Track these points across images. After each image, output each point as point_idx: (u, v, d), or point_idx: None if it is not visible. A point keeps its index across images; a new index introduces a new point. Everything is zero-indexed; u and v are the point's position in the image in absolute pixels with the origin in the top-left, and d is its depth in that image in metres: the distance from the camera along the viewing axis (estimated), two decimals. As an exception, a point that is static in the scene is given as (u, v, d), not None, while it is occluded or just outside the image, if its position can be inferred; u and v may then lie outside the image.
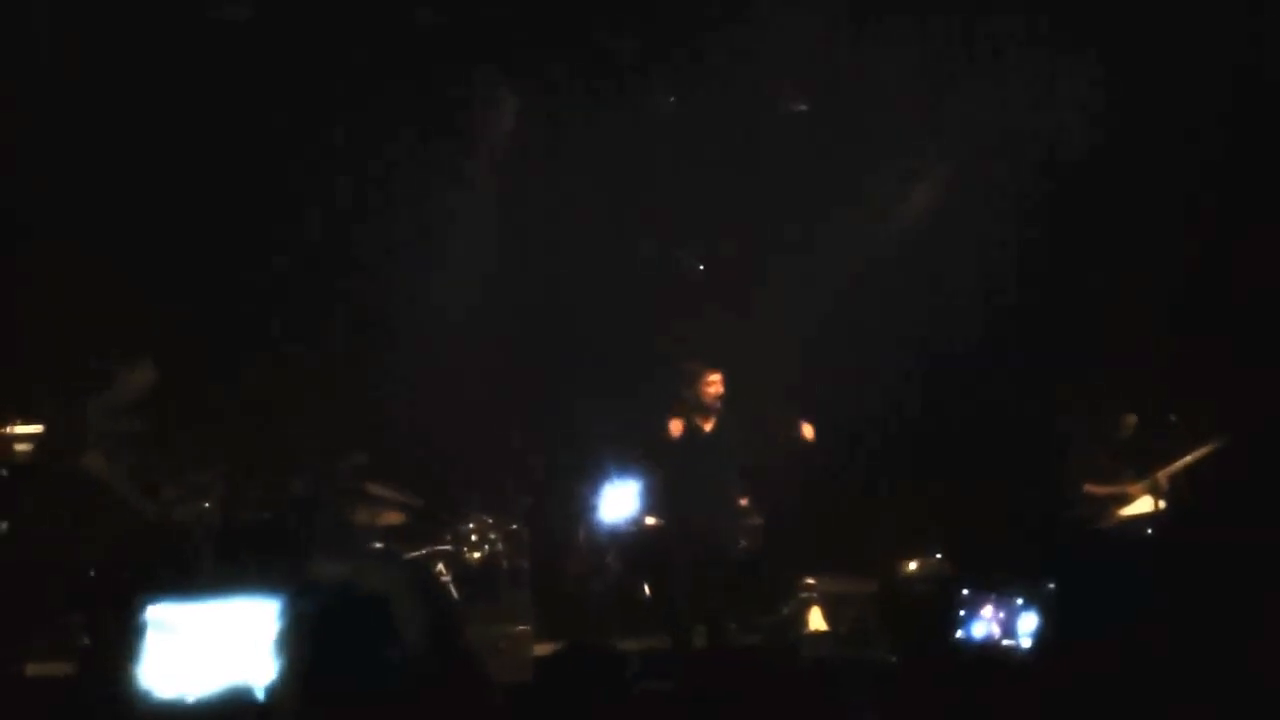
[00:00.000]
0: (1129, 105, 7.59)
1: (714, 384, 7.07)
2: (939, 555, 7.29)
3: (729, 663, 6.66)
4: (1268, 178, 7.43)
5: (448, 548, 7.64)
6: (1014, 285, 8.48)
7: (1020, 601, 4.54)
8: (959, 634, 3.94)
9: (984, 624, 5.01)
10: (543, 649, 6.52)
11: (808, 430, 7.04)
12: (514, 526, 7.89)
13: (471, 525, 7.75)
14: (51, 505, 6.14)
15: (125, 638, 3.44)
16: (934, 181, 8.82)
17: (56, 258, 7.35)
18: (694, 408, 7.15)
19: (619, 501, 8.18)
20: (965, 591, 4.31)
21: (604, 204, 8.66)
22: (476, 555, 7.64)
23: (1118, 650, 2.29)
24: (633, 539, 8.14)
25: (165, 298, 7.65)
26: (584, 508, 8.36)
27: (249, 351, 8.08)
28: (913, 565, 7.26)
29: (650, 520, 8.02)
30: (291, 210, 8.09)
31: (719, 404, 7.11)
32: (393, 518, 7.62)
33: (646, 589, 8.08)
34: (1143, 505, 7.31)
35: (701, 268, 9.26)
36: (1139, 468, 7.35)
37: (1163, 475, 7.24)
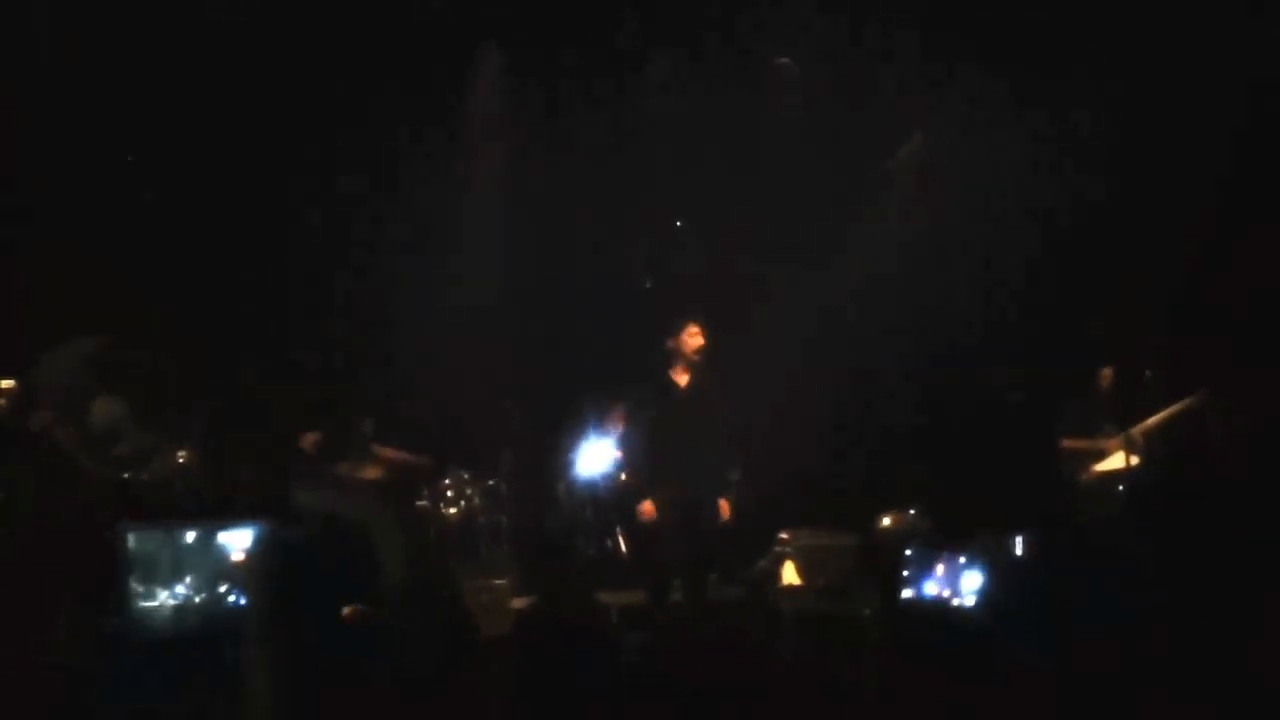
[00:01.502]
0: (1129, 104, 7.61)
1: (694, 335, 7.03)
2: (912, 511, 7.34)
3: (705, 616, 6.72)
4: (1268, 178, 7.43)
5: (424, 504, 7.63)
6: (1007, 260, 8.50)
7: (963, 560, 4.61)
8: (909, 592, 4.00)
9: (934, 582, 5.06)
10: (521, 603, 6.54)
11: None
12: (491, 482, 7.88)
13: (448, 481, 7.74)
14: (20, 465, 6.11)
15: (109, 567, 3.48)
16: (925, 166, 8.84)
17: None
18: (675, 360, 7.13)
19: (597, 456, 8.19)
20: (909, 552, 4.36)
21: (596, 179, 8.66)
22: (453, 511, 7.65)
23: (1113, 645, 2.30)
24: (610, 494, 8.14)
25: (164, 273, 7.63)
26: (562, 463, 8.36)
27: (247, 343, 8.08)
28: (887, 520, 7.31)
29: (626, 475, 8.03)
30: (287, 186, 8.07)
31: (699, 357, 7.07)
32: (371, 473, 7.60)
33: (624, 544, 8.10)
34: (1117, 461, 7.36)
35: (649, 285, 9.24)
36: (1115, 423, 7.39)
37: (1138, 431, 7.28)
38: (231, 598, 3.45)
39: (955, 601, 4.79)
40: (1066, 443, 7.40)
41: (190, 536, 4.00)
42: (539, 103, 8.54)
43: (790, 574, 7.53)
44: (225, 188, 7.78)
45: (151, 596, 3.81)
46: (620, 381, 7.76)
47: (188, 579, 3.88)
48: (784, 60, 8.69)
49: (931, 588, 4.71)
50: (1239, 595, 2.53)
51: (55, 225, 7.36)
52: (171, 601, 3.81)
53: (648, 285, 9.20)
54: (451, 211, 8.78)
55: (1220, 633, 2.43)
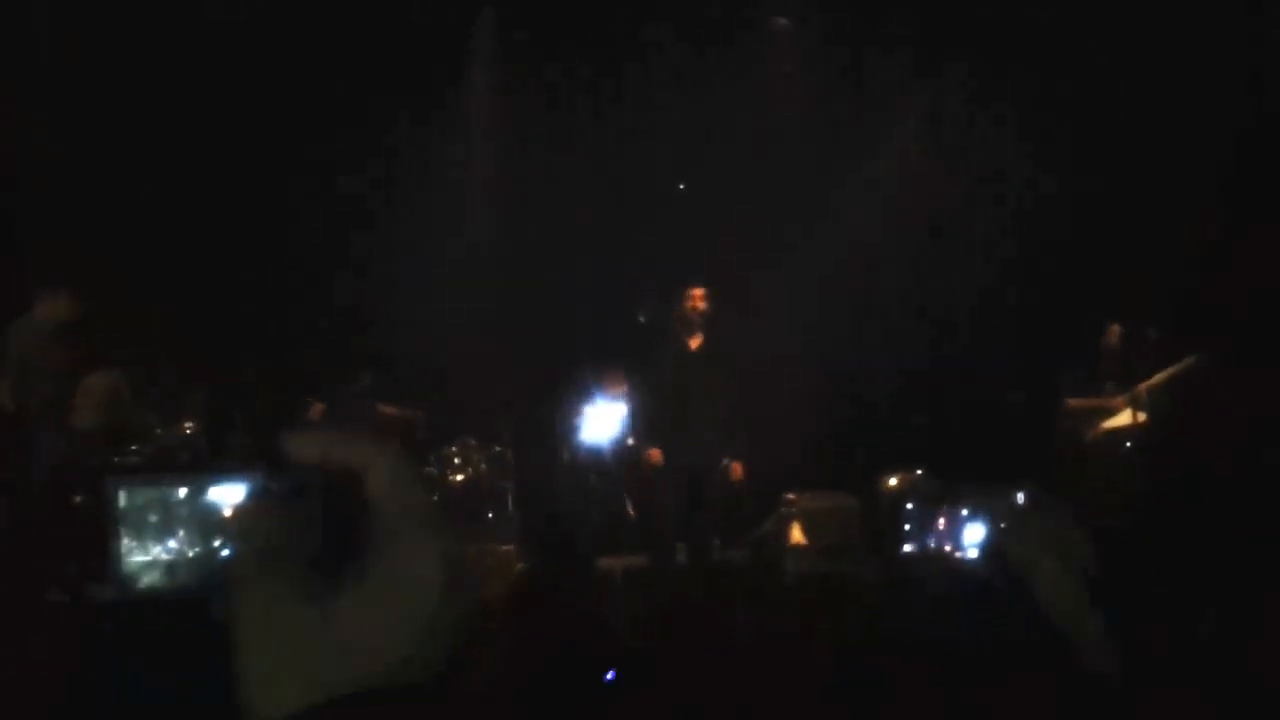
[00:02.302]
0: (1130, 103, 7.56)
1: (697, 299, 7.02)
2: (919, 470, 7.32)
3: (709, 579, 6.75)
4: (1268, 178, 7.34)
5: (431, 469, 7.66)
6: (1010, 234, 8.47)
7: (965, 513, 4.67)
8: (910, 547, 4.04)
9: (935, 536, 5.12)
10: (524, 568, 6.57)
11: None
12: (497, 448, 7.90)
13: (454, 447, 7.77)
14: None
15: (98, 521, 3.52)
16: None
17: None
18: (683, 324, 7.13)
19: (603, 421, 8.19)
20: (909, 507, 4.41)
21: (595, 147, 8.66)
22: (460, 477, 7.67)
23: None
24: (616, 458, 8.15)
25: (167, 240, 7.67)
26: (568, 429, 8.36)
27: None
28: (893, 481, 7.29)
29: (633, 440, 8.03)
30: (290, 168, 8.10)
31: (702, 320, 7.06)
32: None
33: (630, 508, 8.11)
34: (1123, 418, 7.34)
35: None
36: (1120, 381, 7.36)
37: (1143, 388, 7.25)
38: (225, 552, 3.47)
39: (957, 554, 4.82)
40: (1071, 402, 7.38)
41: (182, 492, 4.06)
42: (536, 69, 8.52)
43: (795, 535, 7.54)
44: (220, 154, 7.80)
45: (143, 552, 3.87)
46: (623, 347, 7.76)
47: (180, 534, 3.94)
48: (781, 20, 8.65)
49: (933, 542, 4.76)
50: (1239, 595, 2.52)
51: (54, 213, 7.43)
52: (165, 557, 3.87)
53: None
54: (452, 173, 8.79)
55: (1220, 633, 2.41)
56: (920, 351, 8.60)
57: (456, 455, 7.81)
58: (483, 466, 7.81)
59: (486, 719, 2.88)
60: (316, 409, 7.48)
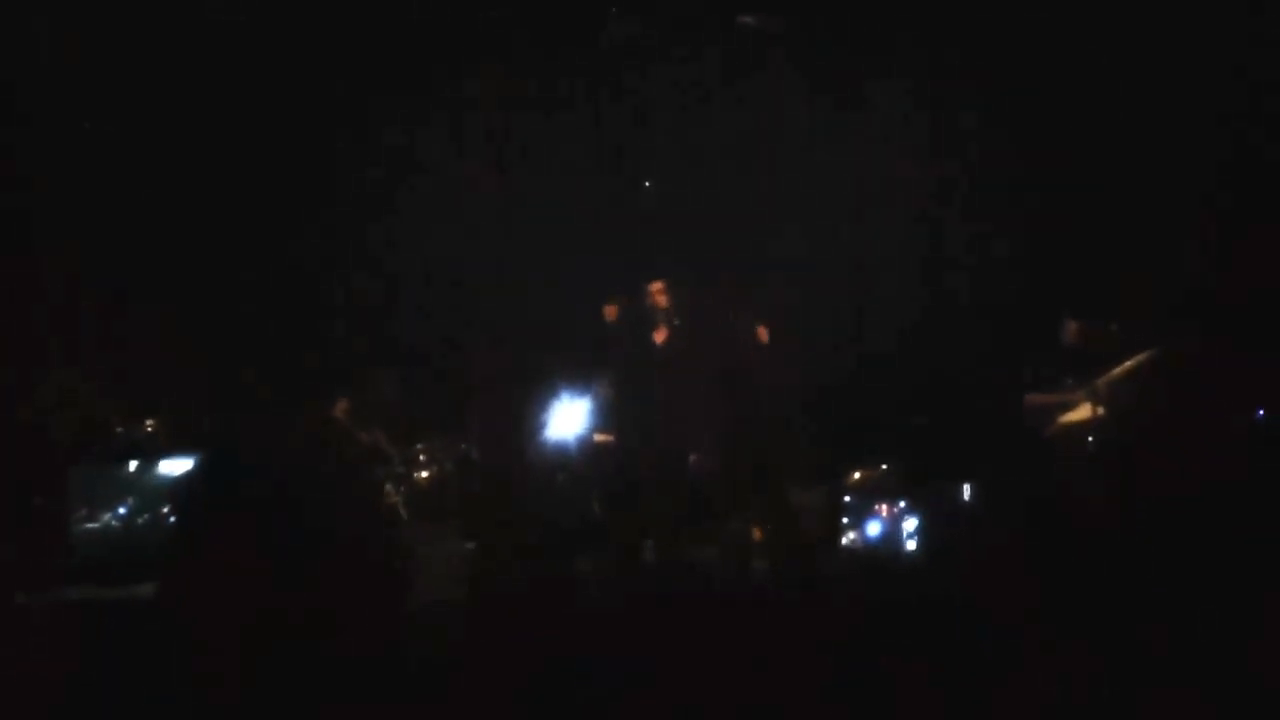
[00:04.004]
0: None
1: (656, 293, 7.03)
2: (884, 466, 7.38)
3: (677, 576, 6.76)
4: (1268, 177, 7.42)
5: (399, 469, 7.65)
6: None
7: (902, 505, 4.75)
8: (851, 538, 4.13)
9: (876, 527, 5.20)
10: (487, 568, 6.57)
11: (762, 333, 7.08)
12: (463, 446, 7.89)
13: (420, 446, 7.76)
14: None
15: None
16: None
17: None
18: (644, 321, 7.14)
19: (569, 418, 8.18)
20: (848, 499, 4.49)
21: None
22: (425, 475, 7.66)
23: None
24: (582, 456, 8.14)
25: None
26: (534, 426, 8.35)
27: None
28: (857, 475, 7.34)
29: (600, 437, 8.02)
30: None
31: (663, 315, 7.07)
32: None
33: (596, 506, 8.12)
34: (1083, 412, 7.40)
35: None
36: (1080, 375, 7.43)
37: (1102, 382, 7.32)
38: (172, 519, 3.60)
39: (894, 545, 4.89)
40: (1031, 397, 7.44)
41: (133, 466, 4.28)
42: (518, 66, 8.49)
43: (759, 534, 7.57)
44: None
45: (93, 519, 4.04)
46: (587, 342, 7.76)
47: (129, 502, 4.13)
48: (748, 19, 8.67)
49: (871, 535, 4.85)
50: (1239, 595, 2.55)
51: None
52: (114, 524, 4.05)
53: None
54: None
55: (1220, 633, 2.44)
56: (890, 348, 8.65)
57: (422, 453, 7.81)
58: (448, 465, 7.80)
59: (486, 719, 2.89)
60: (341, 406, 7.52)
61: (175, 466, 4.29)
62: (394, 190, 8.72)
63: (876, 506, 5.43)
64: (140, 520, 4.09)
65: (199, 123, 7.65)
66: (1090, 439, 7.24)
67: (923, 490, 5.64)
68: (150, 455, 5.04)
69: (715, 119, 8.75)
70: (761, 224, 8.88)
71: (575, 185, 8.97)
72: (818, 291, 8.82)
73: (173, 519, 3.64)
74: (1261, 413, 6.44)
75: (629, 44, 8.52)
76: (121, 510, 4.15)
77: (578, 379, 8.02)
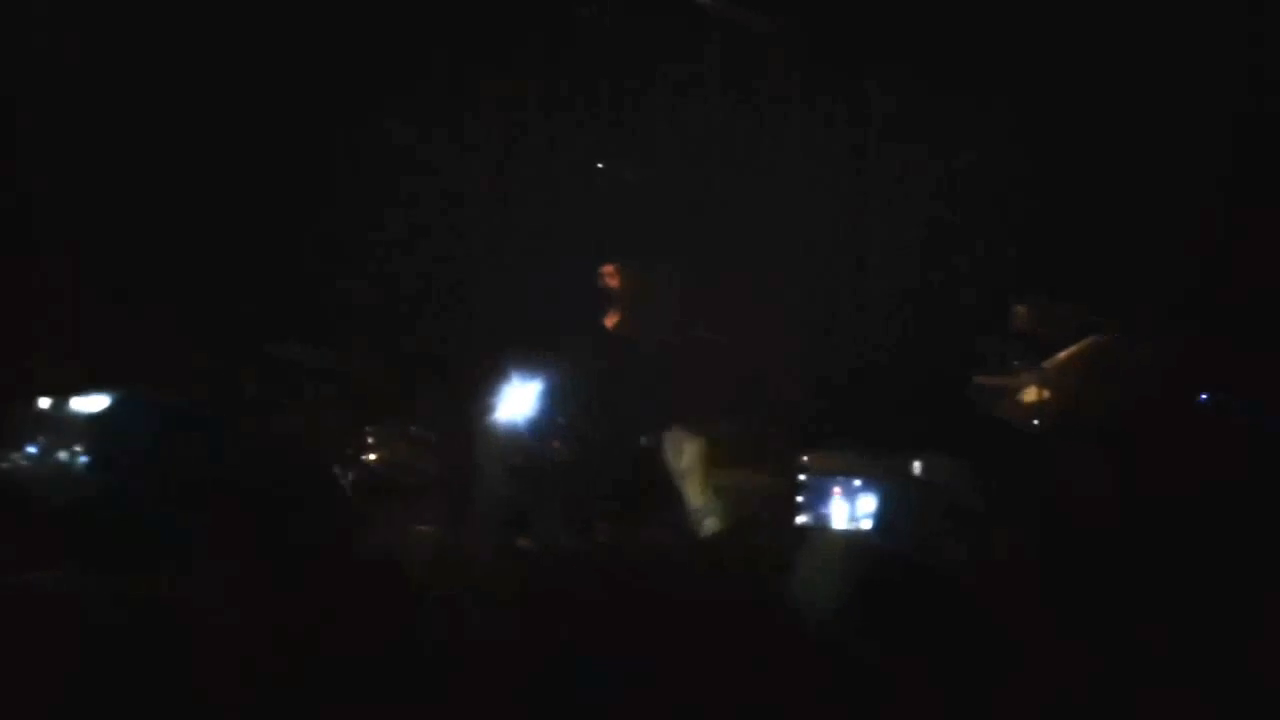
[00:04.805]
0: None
1: (607, 275, 7.03)
2: (845, 447, 7.43)
3: (628, 557, 6.78)
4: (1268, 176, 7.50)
5: (347, 450, 7.59)
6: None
7: (857, 484, 4.80)
8: (805, 518, 4.17)
9: (831, 508, 5.26)
10: (443, 548, 6.53)
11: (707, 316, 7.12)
12: (413, 429, 7.84)
13: (369, 427, 7.70)
14: None
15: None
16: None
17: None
18: (595, 304, 7.15)
19: (520, 401, 8.16)
20: (803, 478, 4.55)
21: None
22: (374, 457, 7.61)
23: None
24: (534, 437, 8.13)
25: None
26: (486, 408, 8.32)
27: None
28: (812, 457, 7.38)
29: (554, 419, 8.02)
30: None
31: (614, 297, 7.07)
32: None
33: (550, 485, 8.11)
34: (1030, 395, 7.52)
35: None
36: (1028, 358, 7.54)
37: (1050, 366, 7.45)
38: (83, 459, 3.49)
39: (850, 525, 4.94)
40: (979, 379, 7.55)
41: (45, 403, 4.12)
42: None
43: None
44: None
45: (4, 460, 3.91)
46: (544, 326, 7.75)
47: (40, 440, 3.97)
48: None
49: (826, 512, 4.91)
50: (1239, 595, 2.58)
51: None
52: (23, 463, 3.92)
53: None
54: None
55: (1220, 633, 2.47)
56: (848, 330, 8.72)
57: (373, 434, 7.75)
58: (401, 446, 7.75)
59: (486, 719, 2.87)
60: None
61: (87, 403, 4.13)
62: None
63: (832, 487, 5.48)
64: (52, 461, 3.96)
65: None
66: (1036, 421, 7.37)
67: (877, 468, 5.70)
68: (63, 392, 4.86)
69: (677, 105, 8.72)
70: (714, 208, 8.88)
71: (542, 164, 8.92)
72: (770, 276, 8.85)
73: (84, 460, 3.51)
74: (1205, 397, 6.58)
75: (599, 26, 8.48)
76: (30, 450, 4.03)
77: (531, 360, 8.00)
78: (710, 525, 7.46)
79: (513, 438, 8.15)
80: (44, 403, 4.55)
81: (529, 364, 8.07)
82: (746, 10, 8.44)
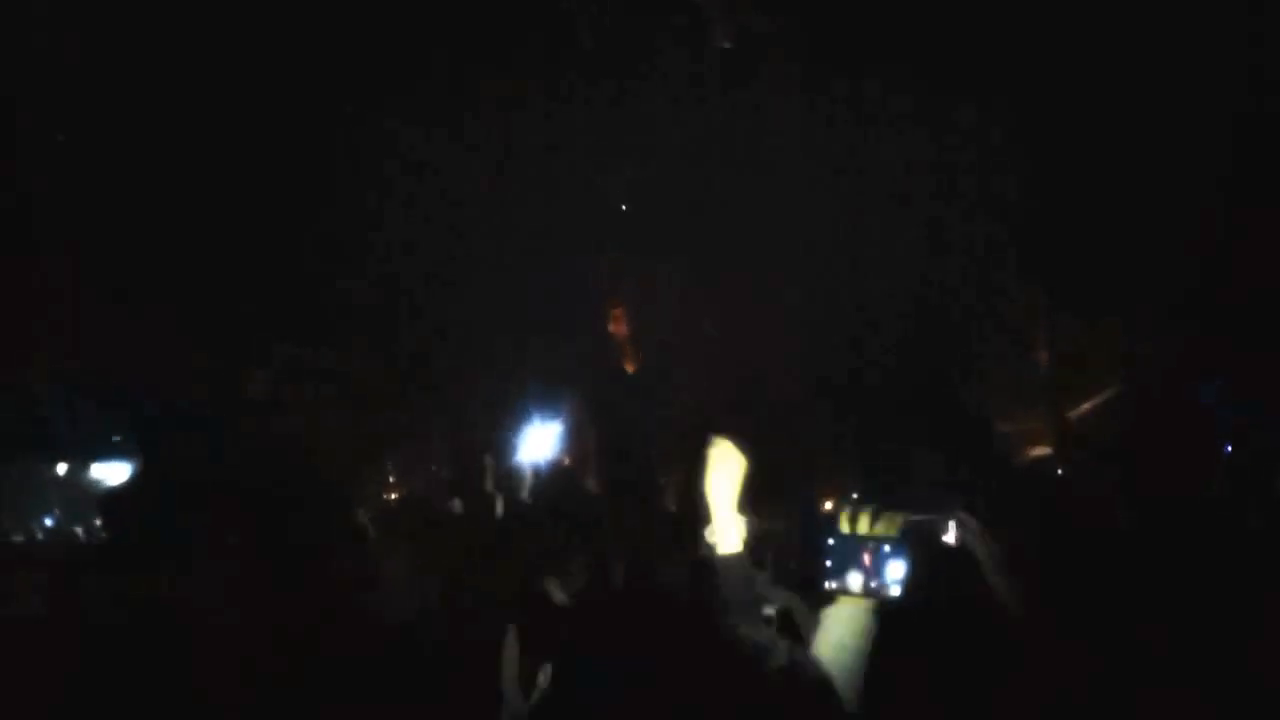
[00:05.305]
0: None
1: (613, 319, 7.03)
2: (855, 495, 7.34)
3: (646, 603, 6.73)
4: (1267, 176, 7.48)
5: (368, 487, 7.56)
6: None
7: (888, 548, 4.67)
8: (833, 584, 4.01)
9: (858, 572, 5.09)
10: (456, 589, 6.49)
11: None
12: (433, 467, 7.84)
13: (389, 464, 7.70)
14: None
15: None
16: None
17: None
18: (615, 343, 7.15)
19: (539, 442, 8.13)
20: (831, 541, 4.39)
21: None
22: (394, 496, 7.60)
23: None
24: (550, 478, 8.10)
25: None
26: (504, 449, 8.28)
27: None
28: (829, 505, 7.33)
29: (568, 460, 7.99)
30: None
31: (625, 340, 7.06)
32: None
33: (565, 529, 8.06)
34: (1051, 446, 7.40)
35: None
36: (1047, 407, 7.47)
37: (1072, 415, 7.36)
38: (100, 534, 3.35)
39: (880, 591, 4.83)
40: (1001, 425, 7.45)
41: (61, 469, 3.99)
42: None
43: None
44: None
45: (20, 530, 3.74)
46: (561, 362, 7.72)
47: (56, 511, 3.83)
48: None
49: (855, 578, 4.75)
50: (1239, 595, 2.56)
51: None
52: (40, 535, 3.76)
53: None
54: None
55: (1220, 633, 2.46)
56: (851, 365, 8.67)
57: (391, 473, 7.77)
58: (417, 485, 7.76)
59: (485, 719, 2.87)
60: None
61: (106, 470, 3.94)
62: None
63: (860, 548, 5.29)
64: (73, 530, 3.77)
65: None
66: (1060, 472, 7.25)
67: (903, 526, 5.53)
68: (80, 451, 4.69)
69: (677, 105, 8.70)
70: (714, 208, 8.86)
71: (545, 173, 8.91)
72: (770, 276, 8.83)
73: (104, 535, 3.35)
74: (1204, 397, 6.55)
75: (599, 26, 8.46)
76: (48, 521, 3.82)
77: (548, 402, 7.95)
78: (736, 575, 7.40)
79: (537, 476, 8.11)
80: (59, 469, 4.39)
81: (548, 401, 8.04)
82: (746, 10, 8.42)
